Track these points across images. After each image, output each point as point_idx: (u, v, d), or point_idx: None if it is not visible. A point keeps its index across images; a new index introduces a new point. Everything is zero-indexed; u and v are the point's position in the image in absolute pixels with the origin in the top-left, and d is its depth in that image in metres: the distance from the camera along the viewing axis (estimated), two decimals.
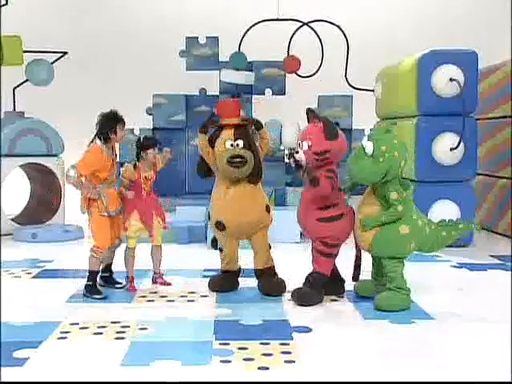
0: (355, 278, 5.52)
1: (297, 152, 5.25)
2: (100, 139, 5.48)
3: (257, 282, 5.70)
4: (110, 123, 5.48)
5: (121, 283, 5.82)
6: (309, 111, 5.39)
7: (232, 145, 5.39)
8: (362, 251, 5.42)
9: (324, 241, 5.31)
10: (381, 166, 4.96)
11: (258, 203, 5.54)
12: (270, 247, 5.70)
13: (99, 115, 5.54)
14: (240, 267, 5.78)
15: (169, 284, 5.92)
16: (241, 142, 5.40)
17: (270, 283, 5.64)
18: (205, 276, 6.09)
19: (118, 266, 5.84)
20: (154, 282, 5.95)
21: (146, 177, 5.69)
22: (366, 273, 5.62)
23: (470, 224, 5.41)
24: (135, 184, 5.66)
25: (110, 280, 5.84)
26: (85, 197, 5.47)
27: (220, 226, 5.51)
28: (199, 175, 5.71)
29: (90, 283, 5.52)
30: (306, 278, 5.39)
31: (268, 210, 5.60)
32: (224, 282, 5.72)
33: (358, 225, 5.21)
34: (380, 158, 4.95)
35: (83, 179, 5.40)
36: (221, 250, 5.71)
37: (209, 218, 5.73)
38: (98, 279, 5.78)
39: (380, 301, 5.14)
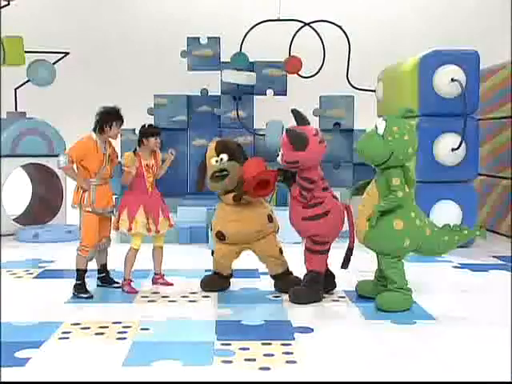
0: (344, 265, 5.49)
1: (277, 155, 5.35)
2: (95, 131, 5.52)
3: (273, 282, 5.76)
4: (107, 117, 5.52)
5: (118, 282, 5.82)
6: (293, 112, 5.36)
7: (216, 161, 5.49)
8: (359, 245, 5.44)
9: (313, 239, 5.36)
10: (389, 145, 4.99)
11: (259, 213, 5.55)
12: (282, 251, 5.70)
13: (101, 107, 5.59)
14: (232, 272, 5.79)
15: (171, 284, 5.92)
16: (225, 156, 5.48)
17: (286, 282, 5.66)
18: None
19: (113, 264, 5.84)
20: (155, 282, 5.96)
21: (147, 165, 5.67)
22: (366, 273, 5.62)
23: (474, 231, 5.36)
24: (137, 173, 5.61)
25: (107, 280, 5.85)
26: (76, 190, 5.50)
27: (221, 236, 5.55)
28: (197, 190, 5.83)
29: (79, 282, 5.53)
30: (303, 278, 5.42)
31: (270, 219, 5.60)
32: (214, 283, 5.74)
33: (359, 220, 5.22)
34: (389, 137, 5.00)
35: (74, 167, 5.46)
36: (212, 253, 5.73)
37: (211, 229, 5.75)
38: (96, 280, 5.85)
39: (381, 301, 5.13)
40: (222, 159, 5.48)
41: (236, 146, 5.63)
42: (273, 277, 5.74)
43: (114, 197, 5.79)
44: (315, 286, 5.37)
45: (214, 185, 5.49)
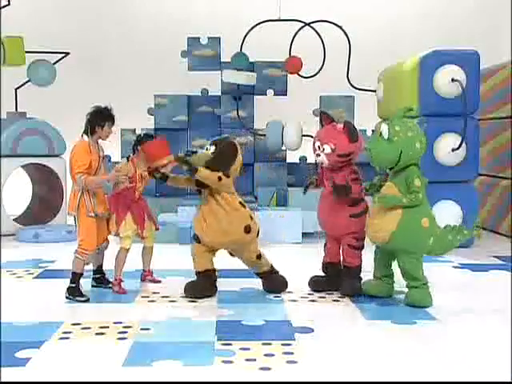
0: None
1: (318, 155, 5.42)
2: (86, 133, 5.45)
3: (261, 280, 5.78)
4: (99, 117, 5.44)
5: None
6: (322, 113, 5.64)
7: (207, 148, 5.49)
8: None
9: (355, 236, 5.48)
10: (395, 146, 5.07)
11: (234, 226, 5.44)
12: (260, 256, 5.66)
13: (92, 107, 5.51)
14: (216, 272, 5.65)
15: (158, 281, 5.96)
16: (212, 148, 5.45)
17: (272, 282, 5.72)
18: None
19: (113, 264, 5.86)
20: (143, 279, 6.00)
21: (141, 175, 5.67)
22: (368, 274, 5.62)
23: (472, 229, 5.42)
24: (130, 181, 5.61)
25: (102, 280, 5.85)
26: (73, 196, 5.42)
27: (197, 238, 5.54)
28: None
29: (73, 285, 5.46)
30: (348, 273, 5.54)
31: (248, 230, 5.48)
32: (199, 287, 5.55)
33: (377, 220, 5.26)
34: (394, 138, 5.08)
35: (82, 177, 5.31)
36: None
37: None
38: (91, 280, 5.83)
39: (412, 299, 5.22)
40: (207, 149, 5.48)
41: (227, 147, 5.48)
42: (259, 275, 5.76)
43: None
44: (360, 279, 5.59)
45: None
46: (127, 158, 5.68)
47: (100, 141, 5.56)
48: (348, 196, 5.39)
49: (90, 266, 5.80)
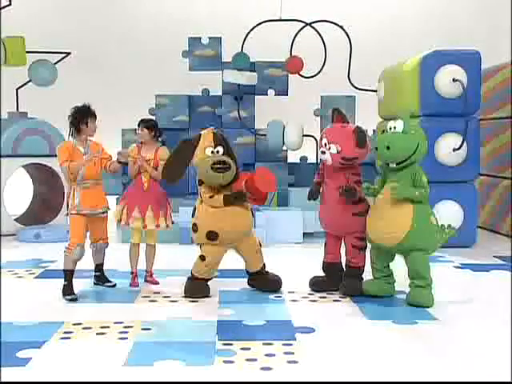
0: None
1: (323, 152, 5.40)
2: (72, 133, 5.51)
3: (249, 278, 5.76)
4: (81, 115, 5.50)
5: (111, 281, 5.87)
6: (335, 110, 5.62)
7: (212, 152, 5.40)
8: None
9: (358, 235, 5.51)
10: (413, 138, 5.17)
11: (245, 213, 5.53)
12: (261, 245, 5.74)
13: (72, 108, 5.57)
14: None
15: (156, 283, 5.95)
16: (221, 149, 5.42)
17: (264, 280, 5.73)
18: None
19: (115, 264, 5.86)
20: (146, 280, 6.01)
21: (143, 157, 5.73)
22: (367, 273, 5.63)
23: (450, 231, 5.45)
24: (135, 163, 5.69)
25: (101, 279, 5.88)
26: (67, 197, 5.52)
27: (212, 235, 5.44)
28: (168, 181, 5.56)
29: (65, 283, 5.48)
30: (350, 273, 5.58)
31: (253, 214, 5.70)
32: (201, 289, 5.58)
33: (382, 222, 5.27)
34: (412, 131, 5.18)
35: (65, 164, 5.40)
36: (203, 258, 5.54)
37: (195, 230, 5.54)
38: (92, 278, 5.88)
39: (417, 298, 5.25)
40: (218, 151, 5.41)
41: (229, 142, 5.59)
42: (252, 273, 5.73)
43: (106, 197, 5.72)
44: (361, 279, 5.61)
45: (214, 175, 5.31)
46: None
47: (101, 142, 5.63)
48: (356, 198, 5.41)
49: (92, 266, 5.83)
